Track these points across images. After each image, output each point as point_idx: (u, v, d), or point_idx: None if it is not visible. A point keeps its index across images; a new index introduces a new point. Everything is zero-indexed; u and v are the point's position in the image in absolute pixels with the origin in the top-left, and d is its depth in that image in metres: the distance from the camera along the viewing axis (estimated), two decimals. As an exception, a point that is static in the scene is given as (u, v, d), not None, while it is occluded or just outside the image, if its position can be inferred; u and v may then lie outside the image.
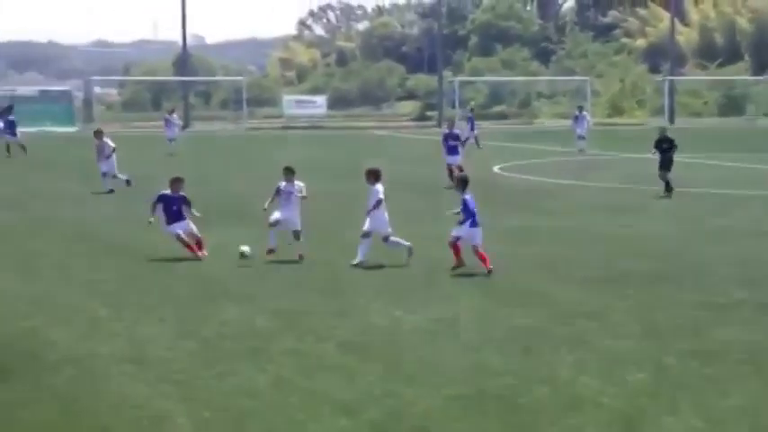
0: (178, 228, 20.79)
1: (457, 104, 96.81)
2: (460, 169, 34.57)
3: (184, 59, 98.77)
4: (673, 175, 32.45)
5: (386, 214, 20.25)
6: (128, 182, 33.08)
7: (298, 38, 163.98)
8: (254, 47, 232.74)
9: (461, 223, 19.36)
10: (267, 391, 11.89)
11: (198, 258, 20.48)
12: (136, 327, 15.05)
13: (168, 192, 20.95)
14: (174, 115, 54.75)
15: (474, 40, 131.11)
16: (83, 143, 62.04)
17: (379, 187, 20.22)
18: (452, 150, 35.51)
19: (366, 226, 20.17)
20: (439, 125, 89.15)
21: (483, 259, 19.15)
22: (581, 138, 54.18)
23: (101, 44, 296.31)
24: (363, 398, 11.56)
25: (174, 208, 20.85)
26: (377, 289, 17.76)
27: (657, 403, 11.37)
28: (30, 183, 36.56)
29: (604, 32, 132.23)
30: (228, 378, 12.40)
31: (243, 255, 19.76)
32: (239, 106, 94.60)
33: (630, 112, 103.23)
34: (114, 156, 33.52)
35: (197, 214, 21.00)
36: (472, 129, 58.05)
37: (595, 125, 66.10)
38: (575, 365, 12.87)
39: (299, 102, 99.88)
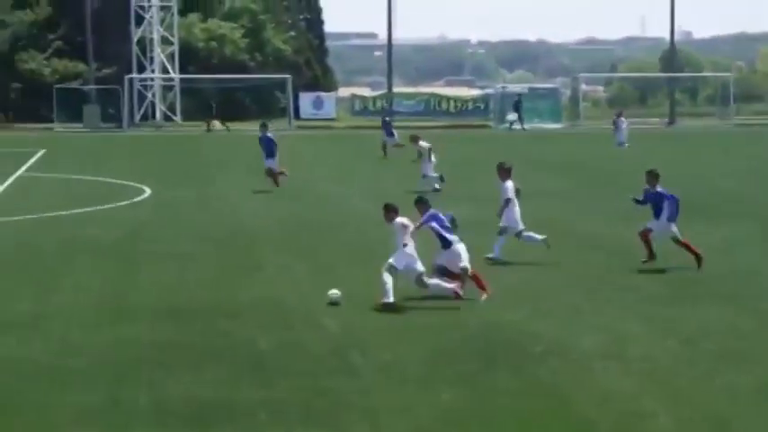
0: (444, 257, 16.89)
1: None
2: None
3: (671, 55, 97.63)
4: None
5: (517, 210, 19.97)
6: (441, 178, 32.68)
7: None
8: (744, 42, 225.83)
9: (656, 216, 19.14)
10: (750, 396, 11.55)
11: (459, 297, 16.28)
12: (617, 323, 15.13)
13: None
14: (622, 118, 53.89)
15: None
16: (569, 139, 63.10)
17: (509, 185, 20.00)
18: None
19: (501, 222, 20.10)
20: None
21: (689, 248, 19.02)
22: None
23: (589, 42, 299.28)
24: None
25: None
26: None
27: None
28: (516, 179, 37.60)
29: None
30: (711, 379, 12.18)
31: (331, 301, 16.26)
32: (726, 102, 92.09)
33: None
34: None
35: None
36: None
37: None
38: None
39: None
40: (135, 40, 74.10)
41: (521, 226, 20.22)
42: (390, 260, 16.05)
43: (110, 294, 17.33)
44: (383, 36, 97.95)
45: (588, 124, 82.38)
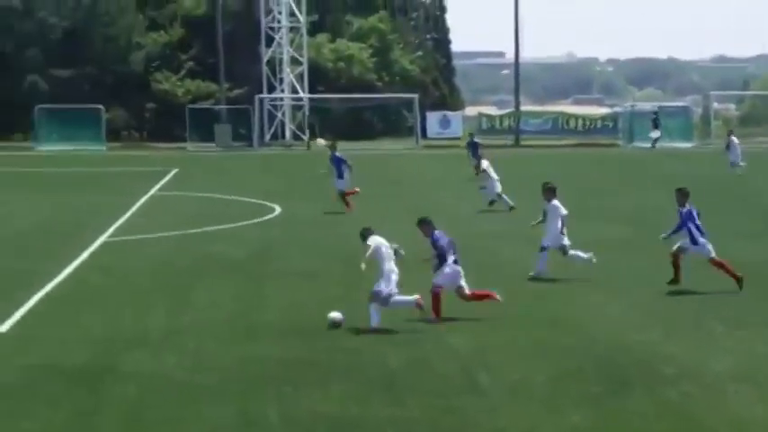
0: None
1: None
2: None
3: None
4: None
5: (559, 227, 20.16)
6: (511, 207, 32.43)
7: None
8: None
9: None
10: None
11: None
12: (749, 345, 14.83)
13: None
14: (733, 137, 53.12)
15: None
16: (699, 158, 62.08)
17: (557, 203, 20.29)
18: None
19: (544, 242, 20.33)
20: None
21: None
22: None
23: (720, 59, 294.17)
24: None
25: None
26: None
27: None
28: (647, 198, 37.14)
29: None
30: None
31: (333, 323, 16.19)
32: None
33: None
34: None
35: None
36: None
37: None
38: None
39: None
40: (265, 60, 75.15)
41: (549, 243, 20.39)
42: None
43: (239, 311, 17.59)
44: (510, 55, 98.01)
45: (719, 143, 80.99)
